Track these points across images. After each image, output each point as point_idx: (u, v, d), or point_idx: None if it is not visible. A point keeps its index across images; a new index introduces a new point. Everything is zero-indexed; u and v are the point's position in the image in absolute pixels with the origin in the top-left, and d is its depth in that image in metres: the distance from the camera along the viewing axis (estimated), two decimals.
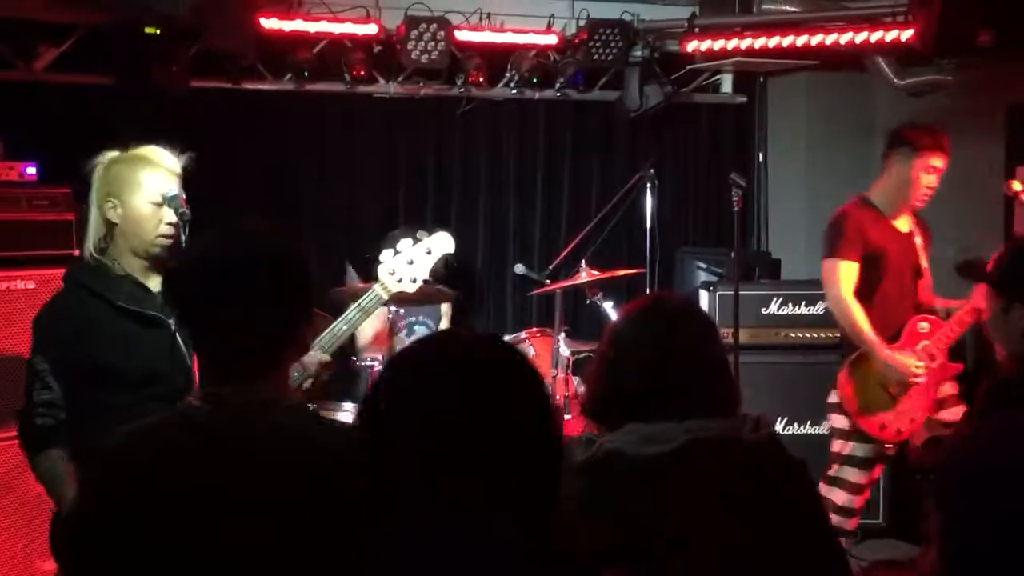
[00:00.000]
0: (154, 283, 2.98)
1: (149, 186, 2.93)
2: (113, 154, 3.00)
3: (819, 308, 5.42)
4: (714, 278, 5.86)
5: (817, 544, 2.15)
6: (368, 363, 4.69)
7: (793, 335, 5.39)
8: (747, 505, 2.05)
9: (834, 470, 4.41)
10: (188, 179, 3.05)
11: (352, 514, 1.81)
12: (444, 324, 5.27)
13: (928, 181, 4.31)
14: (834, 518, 4.40)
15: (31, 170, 4.43)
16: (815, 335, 5.41)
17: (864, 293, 4.33)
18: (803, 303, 5.45)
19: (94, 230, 2.97)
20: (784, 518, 2.07)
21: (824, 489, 4.39)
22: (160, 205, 2.92)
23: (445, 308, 5.30)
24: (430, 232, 3.33)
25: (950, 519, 1.98)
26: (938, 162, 4.31)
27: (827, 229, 4.44)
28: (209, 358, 1.92)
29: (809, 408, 5.24)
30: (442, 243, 3.28)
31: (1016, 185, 4.44)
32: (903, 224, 4.46)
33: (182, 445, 1.84)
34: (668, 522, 2.01)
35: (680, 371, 2.16)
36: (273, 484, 1.79)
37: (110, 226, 2.96)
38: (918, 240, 4.47)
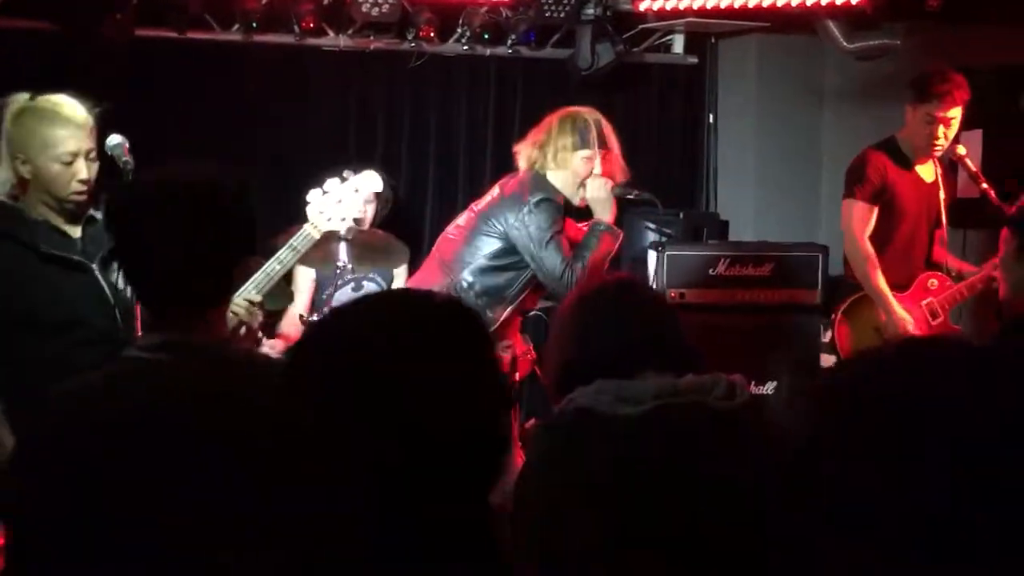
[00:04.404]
0: (72, 230, 2.91)
1: (58, 144, 2.82)
2: (22, 100, 2.87)
3: (767, 269, 5.46)
4: (663, 238, 5.88)
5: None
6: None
7: (741, 296, 5.43)
8: (703, 485, 1.98)
9: None
10: (103, 129, 2.95)
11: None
12: (398, 283, 5.24)
13: (935, 131, 4.26)
14: None
15: None
16: (763, 296, 5.45)
17: (878, 239, 4.32)
18: (751, 264, 5.47)
19: (4, 175, 2.87)
20: (740, 498, 1.93)
21: None
22: (70, 164, 2.81)
23: (399, 271, 5.26)
24: (355, 171, 3.36)
25: None
26: (945, 112, 4.24)
27: (848, 169, 4.43)
28: (151, 296, 1.89)
29: (756, 368, 5.28)
30: (369, 181, 3.33)
31: (960, 149, 4.49)
32: (928, 172, 4.42)
33: (132, 405, 1.80)
34: (626, 497, 1.99)
35: (643, 328, 2.15)
36: (225, 439, 1.76)
37: (22, 179, 2.87)
38: (942, 193, 4.45)
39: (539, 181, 3.99)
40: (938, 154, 4.36)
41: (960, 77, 4.28)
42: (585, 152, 3.97)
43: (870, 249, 4.28)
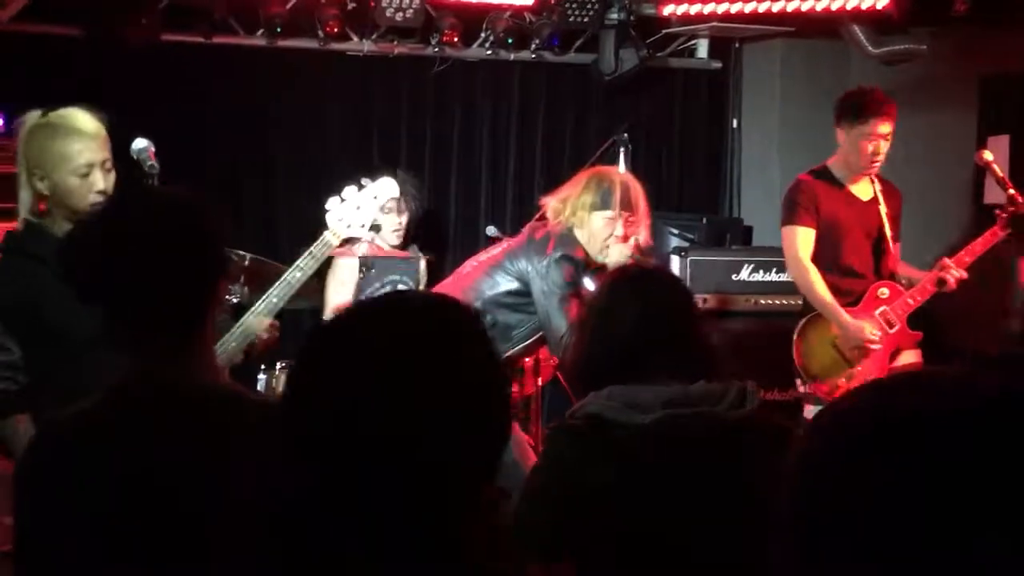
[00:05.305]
0: None
1: (73, 157, 2.86)
2: (35, 117, 2.92)
3: (790, 275, 5.44)
4: (686, 244, 5.87)
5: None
6: None
7: (764, 302, 5.41)
8: (709, 496, 1.99)
9: None
10: (128, 133, 3.03)
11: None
12: (424, 281, 5.25)
13: (873, 147, 4.33)
14: None
15: None
16: (786, 302, 5.43)
17: (822, 261, 4.38)
18: (774, 270, 5.46)
19: (26, 195, 2.92)
20: (748, 508, 1.89)
21: None
22: (86, 175, 2.86)
23: (423, 266, 5.27)
24: (373, 178, 3.43)
25: None
26: (883, 127, 4.31)
27: (783, 199, 4.52)
28: (126, 331, 1.84)
29: (778, 375, 5.26)
30: (386, 188, 3.39)
31: (987, 155, 4.47)
32: (864, 191, 4.49)
33: (117, 446, 1.75)
34: (632, 505, 1.99)
35: (657, 332, 2.13)
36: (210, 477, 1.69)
37: (41, 195, 2.91)
38: (883, 208, 4.48)
39: (565, 237, 3.97)
40: (876, 170, 4.42)
41: (884, 93, 4.41)
42: (605, 213, 3.96)
43: (813, 268, 4.35)
